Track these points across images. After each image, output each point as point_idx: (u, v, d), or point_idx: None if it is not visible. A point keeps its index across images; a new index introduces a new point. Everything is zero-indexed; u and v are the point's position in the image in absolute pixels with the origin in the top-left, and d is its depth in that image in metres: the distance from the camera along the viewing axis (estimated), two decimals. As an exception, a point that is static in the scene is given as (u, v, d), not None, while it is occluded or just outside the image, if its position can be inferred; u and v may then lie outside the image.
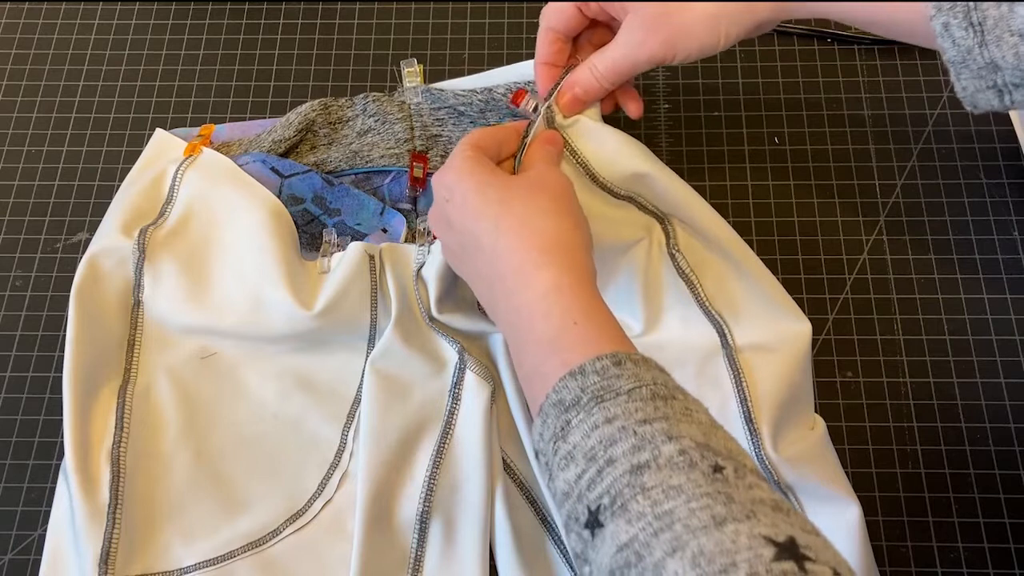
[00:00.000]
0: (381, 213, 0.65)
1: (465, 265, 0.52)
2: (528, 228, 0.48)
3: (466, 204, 0.50)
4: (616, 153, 0.58)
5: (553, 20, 0.58)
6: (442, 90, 0.68)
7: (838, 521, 0.54)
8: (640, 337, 0.60)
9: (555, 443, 0.41)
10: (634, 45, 0.55)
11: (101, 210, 0.69)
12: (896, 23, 0.53)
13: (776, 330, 0.58)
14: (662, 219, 0.60)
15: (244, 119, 0.73)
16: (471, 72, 0.74)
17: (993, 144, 0.69)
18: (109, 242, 0.62)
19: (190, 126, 0.71)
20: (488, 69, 0.74)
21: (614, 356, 0.42)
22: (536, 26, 0.75)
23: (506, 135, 0.56)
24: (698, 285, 0.60)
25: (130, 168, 0.68)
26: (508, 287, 0.47)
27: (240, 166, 0.65)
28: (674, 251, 0.60)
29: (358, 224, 0.65)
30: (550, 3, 0.58)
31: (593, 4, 0.57)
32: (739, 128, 0.70)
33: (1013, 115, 0.70)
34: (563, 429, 0.41)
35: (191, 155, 0.66)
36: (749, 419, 0.56)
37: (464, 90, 0.67)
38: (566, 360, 0.43)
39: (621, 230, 0.60)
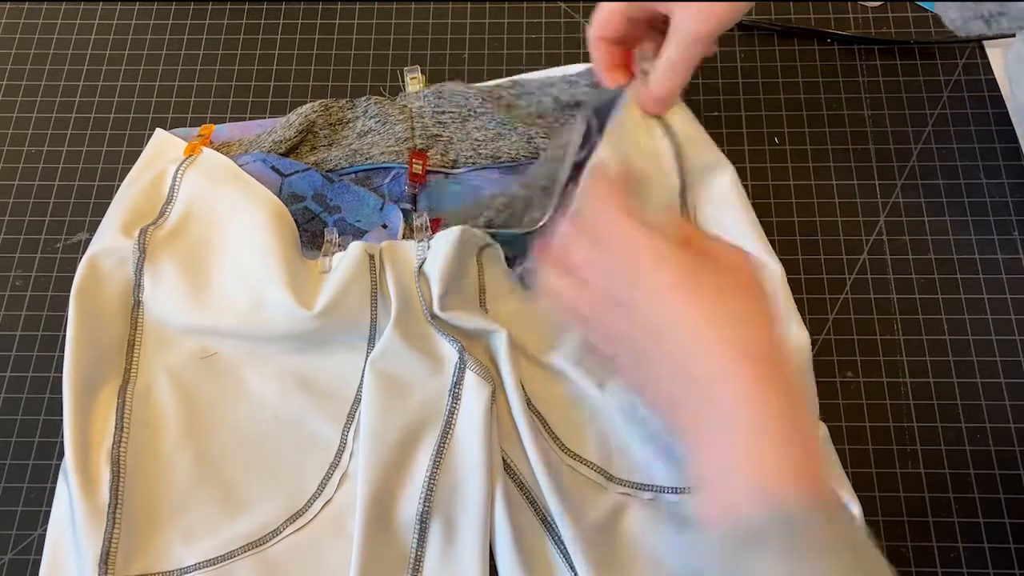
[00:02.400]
0: (381, 209, 0.65)
1: (639, 353, 0.46)
2: (738, 329, 0.43)
3: (656, 289, 0.44)
4: (702, 137, 0.63)
5: (602, 29, 0.58)
6: (445, 87, 0.68)
7: None
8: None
9: (725, 564, 0.38)
10: (688, 35, 0.55)
11: (101, 210, 0.69)
12: None
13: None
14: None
15: (244, 119, 0.73)
16: (471, 71, 0.74)
17: (993, 144, 0.69)
18: (109, 242, 0.62)
19: (190, 126, 0.71)
20: (488, 69, 0.74)
21: (819, 499, 0.39)
22: (535, 27, 0.76)
23: (624, 180, 0.51)
24: None
25: (130, 168, 0.68)
26: (717, 401, 0.42)
27: (240, 166, 0.65)
28: None
29: (358, 221, 0.65)
30: (597, 13, 0.59)
31: (638, 5, 0.57)
32: (739, 128, 0.70)
33: (1013, 115, 0.70)
34: (743, 557, 0.38)
35: (191, 155, 0.66)
36: None
37: (466, 87, 0.68)
38: (771, 490, 0.39)
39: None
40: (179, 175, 0.65)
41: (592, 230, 0.47)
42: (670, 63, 0.56)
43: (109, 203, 0.67)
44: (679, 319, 0.43)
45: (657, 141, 0.63)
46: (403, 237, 0.63)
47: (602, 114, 0.61)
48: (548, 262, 0.49)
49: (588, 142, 0.61)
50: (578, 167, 0.61)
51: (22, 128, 0.74)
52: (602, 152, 0.63)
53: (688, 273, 0.44)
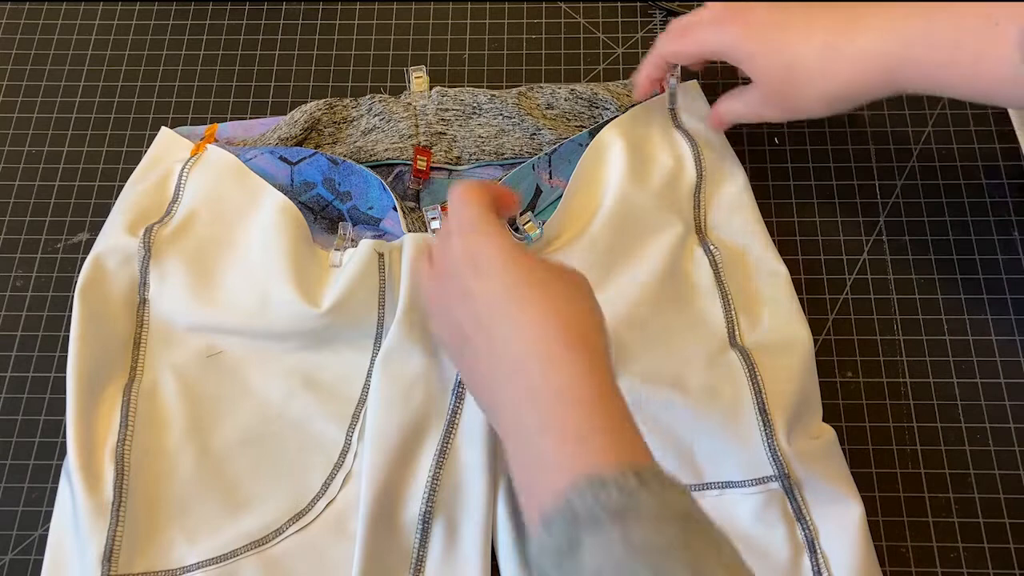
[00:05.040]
0: (384, 189, 0.64)
1: (470, 341, 0.47)
2: (560, 319, 0.44)
3: (494, 279, 0.46)
4: (721, 141, 0.67)
5: (671, 55, 0.63)
6: (452, 86, 0.69)
7: (841, 520, 0.54)
8: (655, 318, 0.60)
9: (559, 558, 0.37)
10: (756, 106, 0.62)
11: (102, 210, 0.69)
12: (997, 99, 0.58)
13: (785, 335, 0.59)
14: (702, 231, 0.63)
15: (244, 119, 0.73)
16: (471, 71, 0.74)
17: (993, 144, 0.69)
18: (114, 241, 0.62)
19: (191, 125, 0.71)
20: (488, 69, 0.74)
21: (638, 472, 0.38)
22: (535, 27, 0.76)
23: (500, 193, 0.51)
24: (725, 282, 0.61)
25: (131, 168, 0.68)
26: (529, 376, 0.43)
27: (249, 159, 0.65)
28: (709, 246, 0.62)
29: (370, 208, 0.64)
30: (670, 39, 0.63)
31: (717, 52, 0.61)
32: (739, 128, 0.70)
33: (1013, 115, 0.70)
34: (572, 547, 0.37)
35: (197, 153, 0.66)
36: (763, 410, 0.56)
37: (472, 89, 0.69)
38: (586, 465, 0.39)
39: (662, 213, 0.63)
40: (185, 173, 0.65)
41: (455, 225, 0.49)
42: (737, 114, 0.64)
43: (110, 203, 0.67)
44: (506, 311, 0.45)
45: (675, 137, 0.66)
46: (408, 229, 0.63)
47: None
48: (422, 256, 0.53)
49: None
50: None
51: (22, 128, 0.74)
52: (606, 135, 0.64)
53: (528, 272, 0.45)
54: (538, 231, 0.62)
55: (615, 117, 0.65)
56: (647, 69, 0.65)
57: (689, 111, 0.67)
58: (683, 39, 0.62)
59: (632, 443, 0.41)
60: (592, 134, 0.65)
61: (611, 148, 0.64)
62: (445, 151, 0.67)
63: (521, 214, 0.64)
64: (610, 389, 0.43)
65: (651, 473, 0.39)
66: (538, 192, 0.65)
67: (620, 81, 0.70)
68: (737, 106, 0.63)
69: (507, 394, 0.44)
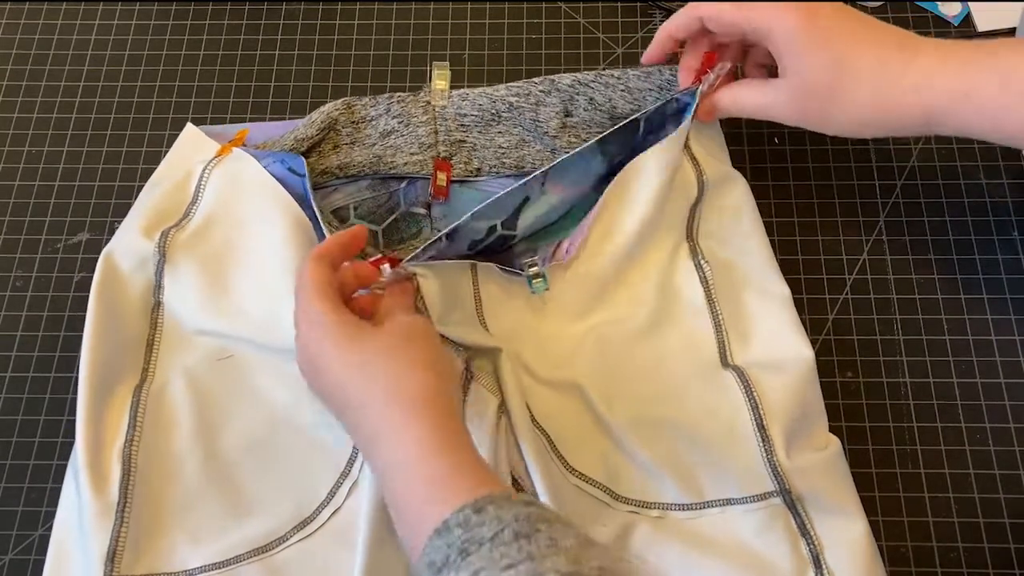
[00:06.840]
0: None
1: (336, 413, 0.51)
2: (398, 387, 0.48)
3: (330, 369, 0.49)
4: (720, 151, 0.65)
5: (708, 15, 0.59)
6: (473, 86, 0.68)
7: (847, 535, 0.54)
8: (648, 339, 0.60)
9: None
10: (773, 104, 0.58)
11: (102, 210, 0.69)
12: None
13: (782, 353, 0.59)
14: (692, 237, 0.62)
15: (245, 119, 0.73)
16: (471, 72, 0.74)
17: (993, 144, 0.69)
18: (129, 242, 0.62)
19: (206, 124, 0.70)
20: (488, 69, 0.74)
21: (475, 504, 0.43)
22: (535, 27, 0.76)
23: (350, 238, 0.55)
24: (716, 301, 0.61)
25: (132, 168, 0.68)
26: (382, 447, 0.47)
27: (263, 167, 0.64)
28: (701, 261, 0.62)
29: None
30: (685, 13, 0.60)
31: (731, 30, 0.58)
32: (739, 128, 0.70)
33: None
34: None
35: (222, 155, 0.65)
36: (761, 426, 0.55)
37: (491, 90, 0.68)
38: (436, 517, 0.43)
39: (661, 231, 0.62)
40: (206, 174, 0.64)
41: (295, 313, 0.52)
42: (748, 107, 0.60)
43: (110, 203, 0.67)
44: (347, 391, 0.49)
45: (686, 154, 0.63)
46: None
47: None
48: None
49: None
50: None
51: (22, 128, 0.74)
52: (642, 163, 0.62)
53: (345, 356, 0.49)
54: (542, 281, 0.60)
55: (633, 124, 0.63)
56: (677, 40, 0.61)
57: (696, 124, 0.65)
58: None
59: (477, 479, 0.45)
60: (600, 144, 0.62)
61: (644, 179, 0.61)
62: (464, 162, 0.67)
63: (504, 226, 0.62)
64: (454, 438, 0.47)
65: (488, 501, 0.43)
66: (525, 200, 0.62)
67: (639, 69, 0.67)
68: (753, 96, 0.59)
69: (374, 465, 0.49)
